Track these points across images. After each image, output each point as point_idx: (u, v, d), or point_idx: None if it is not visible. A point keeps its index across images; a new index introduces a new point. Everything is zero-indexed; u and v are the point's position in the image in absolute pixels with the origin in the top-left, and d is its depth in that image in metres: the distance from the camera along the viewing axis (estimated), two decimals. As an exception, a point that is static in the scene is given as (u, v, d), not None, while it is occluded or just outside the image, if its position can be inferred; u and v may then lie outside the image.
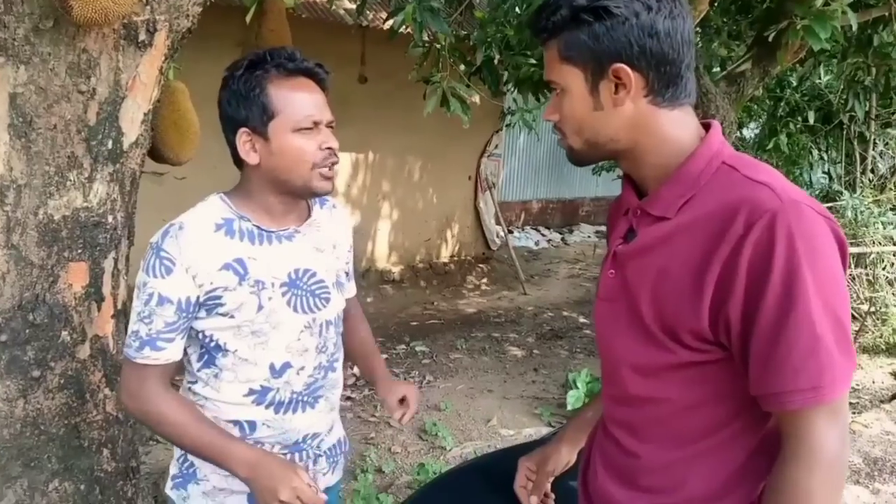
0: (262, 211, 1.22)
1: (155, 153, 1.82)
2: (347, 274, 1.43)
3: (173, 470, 1.31)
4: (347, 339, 1.46)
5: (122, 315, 1.67)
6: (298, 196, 1.24)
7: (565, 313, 5.94)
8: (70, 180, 1.46)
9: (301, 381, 1.26)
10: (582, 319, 5.77)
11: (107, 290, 1.59)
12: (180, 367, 1.26)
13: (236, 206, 1.21)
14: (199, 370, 1.25)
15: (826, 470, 0.81)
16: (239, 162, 1.22)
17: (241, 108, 1.17)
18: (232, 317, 1.19)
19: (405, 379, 4.19)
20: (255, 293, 1.19)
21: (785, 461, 0.84)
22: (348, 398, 3.83)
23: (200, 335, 1.22)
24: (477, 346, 4.91)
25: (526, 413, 3.78)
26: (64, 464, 1.55)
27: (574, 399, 3.62)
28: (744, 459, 0.91)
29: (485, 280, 6.87)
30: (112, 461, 1.65)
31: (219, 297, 1.17)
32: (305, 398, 1.28)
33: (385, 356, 4.63)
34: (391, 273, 6.34)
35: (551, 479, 1.24)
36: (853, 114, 5.06)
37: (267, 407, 1.24)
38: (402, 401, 1.42)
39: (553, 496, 1.24)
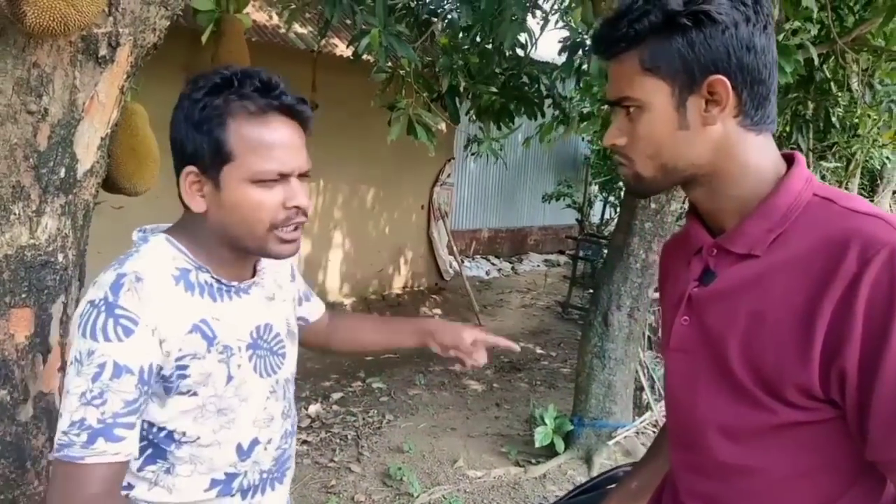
0: (217, 262, 1.00)
1: (109, 183, 1.62)
2: (306, 295, 1.28)
3: None
4: (342, 333, 1.34)
5: (69, 367, 1.46)
6: (251, 255, 1.03)
7: (522, 344, 5.83)
8: (14, 214, 1.25)
9: (270, 457, 1.08)
10: (539, 350, 5.71)
11: (54, 339, 1.38)
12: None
13: (192, 253, 0.98)
14: (140, 468, 0.98)
15: None
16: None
17: (190, 141, 0.92)
18: (195, 394, 0.96)
19: (363, 420, 3.99)
20: (223, 361, 0.98)
21: None
22: (304, 442, 3.60)
23: (144, 426, 0.96)
24: (436, 380, 4.76)
25: (492, 452, 3.64)
26: (-2, 547, 1.31)
27: (542, 436, 3.51)
28: None
29: (438, 311, 6.74)
30: (56, 539, 1.42)
31: (185, 367, 0.93)
32: (275, 475, 1.10)
33: (340, 394, 4.42)
34: (343, 305, 6.13)
35: None
36: (794, 146, 5.25)
37: (234, 495, 1.04)
38: (475, 343, 1.23)
39: None
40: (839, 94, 4.52)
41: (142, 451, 0.97)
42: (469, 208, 9.14)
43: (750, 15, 0.77)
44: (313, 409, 4.08)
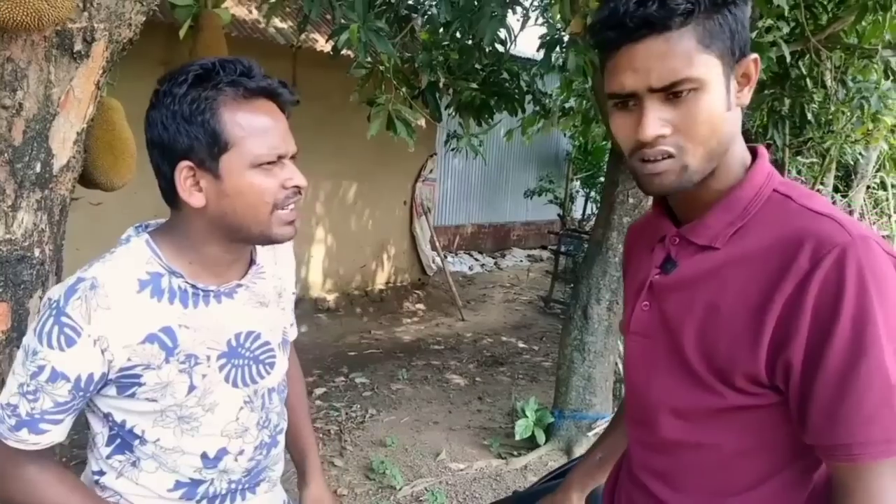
0: (200, 263, 0.98)
1: (85, 178, 1.62)
2: (291, 324, 1.21)
3: None
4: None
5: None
6: (252, 243, 1.03)
7: (504, 338, 5.90)
8: (-11, 209, 1.26)
9: (240, 468, 1.05)
10: (521, 345, 5.75)
11: (31, 334, 1.38)
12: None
13: (166, 255, 0.96)
14: (108, 456, 0.99)
15: None
16: (171, 199, 0.97)
17: (183, 135, 0.91)
18: (153, 400, 0.95)
19: (346, 414, 4.01)
20: (185, 371, 0.96)
21: None
22: (287, 437, 3.61)
23: (108, 418, 0.97)
24: (418, 375, 4.78)
25: (474, 444, 3.67)
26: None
27: (522, 428, 3.55)
28: None
29: (421, 306, 6.76)
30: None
31: (137, 377, 0.93)
32: (245, 485, 1.07)
33: (324, 389, 4.42)
34: (326, 301, 6.13)
35: None
36: (770, 142, 5.33)
37: (199, 502, 1.03)
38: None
39: None
40: (814, 90, 4.60)
41: (110, 440, 0.99)
42: (452, 204, 9.16)
43: None
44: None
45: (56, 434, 0.94)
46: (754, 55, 0.79)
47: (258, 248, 1.08)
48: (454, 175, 9.06)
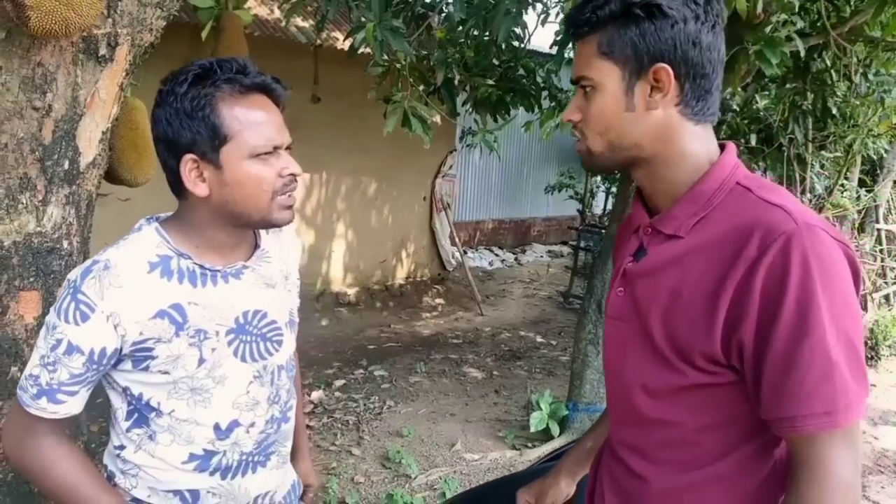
0: (207, 247, 1.06)
1: (111, 174, 1.71)
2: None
3: None
4: None
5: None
6: (253, 228, 1.10)
7: (522, 333, 5.95)
8: (22, 203, 1.35)
9: (251, 440, 1.11)
10: (539, 339, 5.79)
11: (60, 321, 1.47)
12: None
13: (175, 240, 1.04)
14: (128, 430, 1.07)
15: (839, 498, 0.79)
16: (178, 190, 1.05)
17: (186, 130, 0.98)
18: (166, 373, 1.03)
19: (364, 405, 4.09)
20: (195, 345, 1.03)
21: (797, 487, 0.82)
22: (307, 426, 3.69)
23: (126, 392, 1.05)
24: (436, 368, 4.85)
25: (490, 436, 3.73)
26: (11, 513, 1.42)
27: (537, 421, 3.60)
28: (754, 488, 0.89)
29: (441, 301, 6.83)
30: (64, 507, 1.52)
31: (149, 350, 1.01)
32: (256, 458, 1.13)
33: (343, 381, 4.52)
34: (346, 295, 6.23)
35: None
36: (792, 136, 5.28)
37: (212, 473, 1.09)
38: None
39: None
40: (837, 84, 4.56)
41: (129, 415, 1.06)
42: (473, 200, 9.21)
43: (700, 13, 0.85)
44: (316, 395, 4.19)
45: (72, 405, 1.01)
46: (662, 64, 0.85)
47: (262, 233, 1.15)
48: (475, 171, 9.10)
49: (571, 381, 3.67)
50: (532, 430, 3.60)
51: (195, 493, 1.09)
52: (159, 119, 1.01)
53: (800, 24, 2.85)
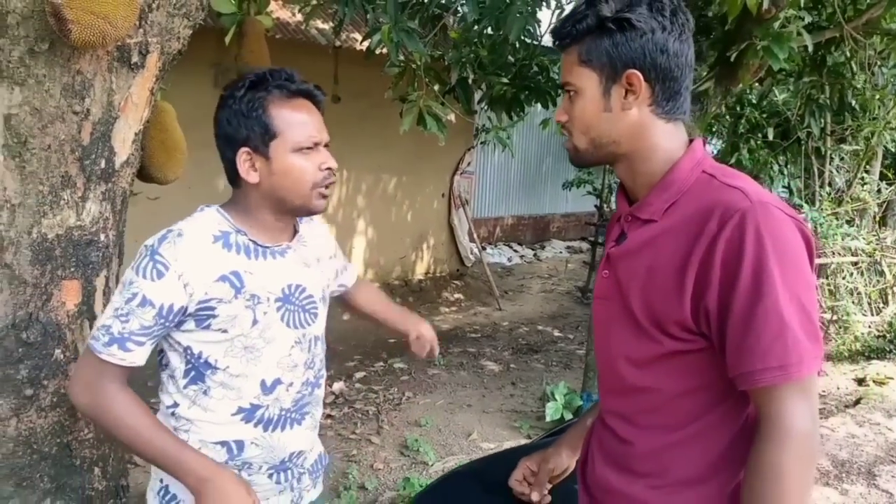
0: (259, 227, 1.23)
1: (143, 173, 1.84)
2: (344, 267, 1.53)
3: (152, 502, 1.27)
4: (360, 300, 1.60)
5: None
6: (294, 214, 1.27)
7: (540, 327, 6.02)
8: (63, 199, 1.47)
9: (290, 398, 1.27)
10: (556, 333, 5.85)
11: (98, 307, 1.60)
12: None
13: (234, 220, 1.22)
14: (185, 387, 1.21)
15: (797, 446, 0.88)
16: (234, 179, 1.23)
17: (242, 127, 1.18)
18: (225, 331, 1.18)
19: (384, 397, 4.21)
20: (250, 307, 1.19)
21: (760, 439, 0.91)
22: (328, 416, 3.83)
23: (187, 352, 1.20)
24: (454, 361, 4.95)
25: (505, 426, 3.82)
26: (56, 483, 1.54)
27: (553, 410, 3.68)
28: (727, 444, 0.99)
29: (460, 296, 6.92)
30: (103, 480, 1.65)
31: (212, 309, 1.16)
32: (293, 415, 1.28)
33: (363, 373, 4.64)
34: (367, 291, 6.35)
35: (550, 481, 1.29)
36: (809, 130, 5.27)
37: (256, 425, 1.23)
38: (418, 338, 1.57)
39: (551, 498, 1.29)
40: (854, 77, 4.55)
41: (187, 373, 1.21)
42: (492, 196, 9.28)
43: (666, 24, 0.97)
44: (337, 386, 4.31)
45: (137, 355, 1.15)
46: (633, 70, 0.96)
47: (299, 222, 1.33)
48: (494, 168, 9.17)
49: (585, 372, 3.74)
50: (547, 419, 3.68)
51: (240, 444, 1.23)
52: (220, 119, 1.21)
53: (808, 19, 2.88)
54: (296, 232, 1.31)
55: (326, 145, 1.23)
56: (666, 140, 1.00)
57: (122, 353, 1.14)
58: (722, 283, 0.90)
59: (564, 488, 1.28)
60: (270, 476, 1.27)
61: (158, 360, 1.26)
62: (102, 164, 1.53)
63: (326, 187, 1.23)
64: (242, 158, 1.19)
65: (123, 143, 1.57)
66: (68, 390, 1.36)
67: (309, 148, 1.19)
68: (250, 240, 1.22)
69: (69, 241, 1.50)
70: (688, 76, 1.00)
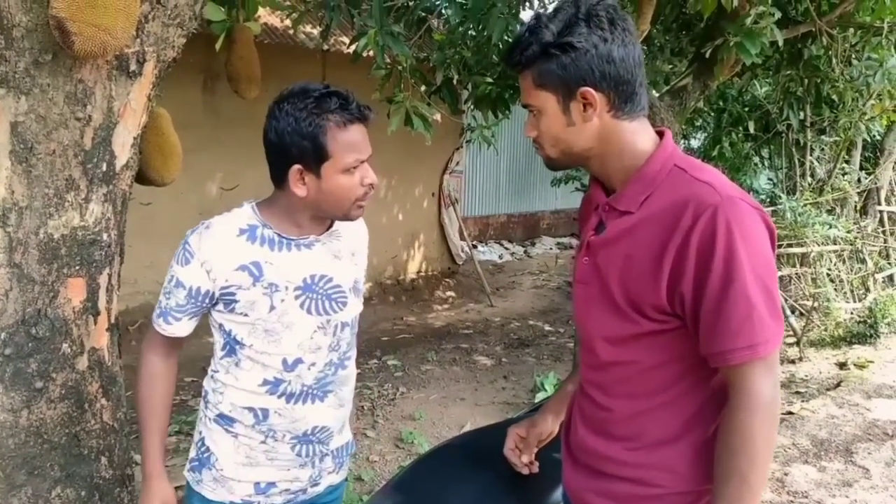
0: (290, 223, 1.35)
1: (140, 176, 1.92)
2: (357, 290, 1.52)
3: (192, 453, 1.46)
4: None
5: (115, 329, 1.76)
6: (332, 219, 1.39)
7: (531, 322, 6.12)
8: (68, 201, 1.56)
9: (311, 376, 1.38)
10: (547, 327, 5.96)
11: (102, 304, 1.68)
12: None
13: (263, 215, 1.34)
14: (221, 358, 1.39)
15: (764, 412, 1.00)
16: (278, 183, 1.33)
17: (297, 145, 1.27)
18: (246, 315, 1.32)
19: (378, 392, 4.29)
20: (267, 294, 1.32)
21: (731, 409, 1.02)
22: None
23: (222, 329, 1.37)
24: (447, 357, 5.04)
25: (498, 418, 3.90)
26: (65, 471, 1.62)
27: (542, 400, 3.77)
28: (695, 409, 1.10)
29: (452, 294, 7.02)
30: (110, 468, 1.73)
31: (233, 294, 1.31)
32: (315, 391, 1.39)
33: (358, 371, 4.71)
34: (359, 290, 6.43)
35: (537, 445, 1.39)
36: (790, 122, 5.39)
37: (279, 397, 1.37)
38: None
39: (538, 464, 1.39)
40: (829, 70, 4.67)
41: (223, 346, 1.39)
42: (482, 195, 9.38)
43: (607, 36, 1.04)
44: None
45: (178, 328, 1.37)
46: (586, 88, 1.03)
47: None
48: (484, 167, 9.27)
49: (574, 361, 3.84)
50: (538, 410, 3.78)
51: (265, 411, 1.37)
52: (274, 130, 1.29)
53: (778, 15, 2.99)
54: (330, 226, 1.40)
55: (368, 158, 1.33)
56: (633, 137, 1.09)
57: (165, 324, 1.36)
58: (697, 270, 0.99)
59: (547, 456, 1.38)
60: (293, 448, 1.40)
61: None
62: (104, 168, 1.61)
63: (365, 199, 1.34)
64: (295, 174, 1.29)
65: (123, 147, 1.66)
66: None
67: (355, 167, 1.29)
68: (276, 233, 1.33)
69: (74, 240, 1.59)
70: (639, 74, 1.08)
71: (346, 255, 1.43)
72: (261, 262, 1.32)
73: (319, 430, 1.41)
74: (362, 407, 4.06)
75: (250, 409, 1.37)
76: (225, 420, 1.40)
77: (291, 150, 1.27)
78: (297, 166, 1.28)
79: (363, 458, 3.38)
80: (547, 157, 1.14)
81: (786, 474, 3.17)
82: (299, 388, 1.38)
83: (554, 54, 1.04)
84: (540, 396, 3.81)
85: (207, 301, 1.34)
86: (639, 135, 1.10)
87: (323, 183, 1.29)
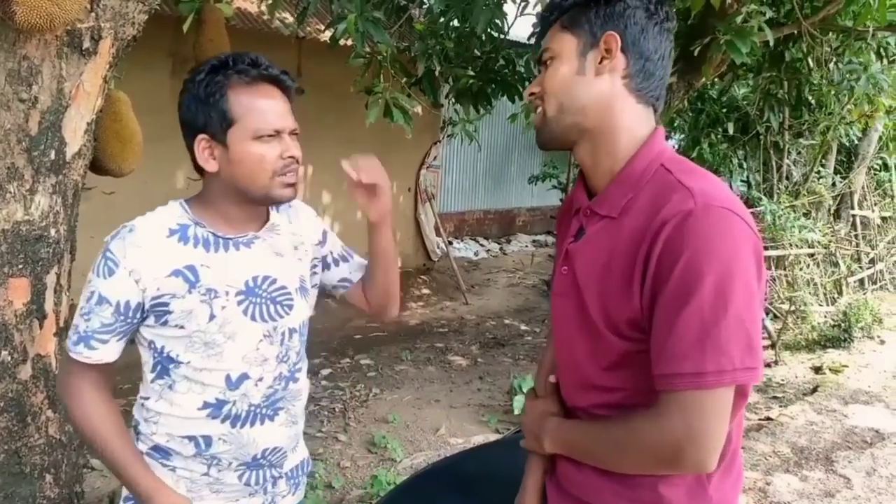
0: (221, 218, 1.19)
1: (96, 165, 1.76)
2: (343, 256, 1.39)
3: (124, 490, 1.24)
4: (374, 280, 1.39)
5: (64, 333, 1.60)
6: (259, 204, 1.21)
7: (507, 321, 6.03)
8: (10, 192, 1.40)
9: (259, 393, 1.21)
10: (523, 327, 5.88)
11: (49, 306, 1.53)
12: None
13: (194, 212, 1.18)
14: (152, 381, 1.20)
15: (666, 445, 0.87)
16: (200, 169, 1.18)
17: (200, 113, 1.13)
18: (182, 327, 1.15)
19: (350, 394, 4.16)
20: (206, 302, 1.15)
21: (644, 416, 0.90)
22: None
23: (152, 346, 1.18)
24: (421, 356, 4.92)
25: (473, 421, 3.81)
26: (3, 492, 1.47)
27: (520, 404, 3.68)
28: None
29: (427, 291, 6.89)
30: (55, 487, 1.58)
31: (166, 305, 1.14)
32: (264, 410, 1.23)
33: (329, 370, 4.58)
34: (332, 286, 6.28)
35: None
36: (769, 124, 5.39)
37: (223, 421, 1.19)
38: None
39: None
40: (810, 73, 4.66)
41: (154, 367, 1.20)
42: (458, 191, 9.27)
43: (651, 8, 0.98)
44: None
45: (104, 353, 1.15)
46: (611, 32, 0.97)
47: (272, 210, 1.26)
48: (460, 162, 9.15)
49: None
50: (515, 413, 3.69)
51: (208, 439, 1.20)
52: (181, 105, 1.16)
53: (769, 14, 2.93)
54: (267, 220, 1.25)
55: (293, 133, 1.18)
56: (633, 121, 0.99)
57: (87, 351, 1.14)
58: (654, 282, 0.88)
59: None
60: (241, 476, 1.23)
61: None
62: (52, 156, 1.45)
63: (287, 175, 1.17)
64: (201, 146, 1.15)
65: (75, 133, 1.50)
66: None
67: (270, 136, 1.14)
68: (210, 231, 1.17)
69: (16, 236, 1.42)
70: (663, 66, 0.99)
71: (288, 251, 1.27)
72: (196, 266, 1.15)
73: (271, 453, 1.25)
74: (333, 409, 3.92)
75: (190, 437, 1.19)
76: (160, 453, 1.22)
77: (195, 121, 1.14)
78: (201, 136, 1.14)
79: (333, 464, 3.25)
80: (542, 116, 1.02)
81: (768, 483, 3.13)
82: (246, 408, 1.21)
83: (597, 2, 0.98)
84: (517, 400, 3.71)
85: (139, 316, 1.15)
86: (641, 121, 0.99)
87: (231, 152, 1.13)
